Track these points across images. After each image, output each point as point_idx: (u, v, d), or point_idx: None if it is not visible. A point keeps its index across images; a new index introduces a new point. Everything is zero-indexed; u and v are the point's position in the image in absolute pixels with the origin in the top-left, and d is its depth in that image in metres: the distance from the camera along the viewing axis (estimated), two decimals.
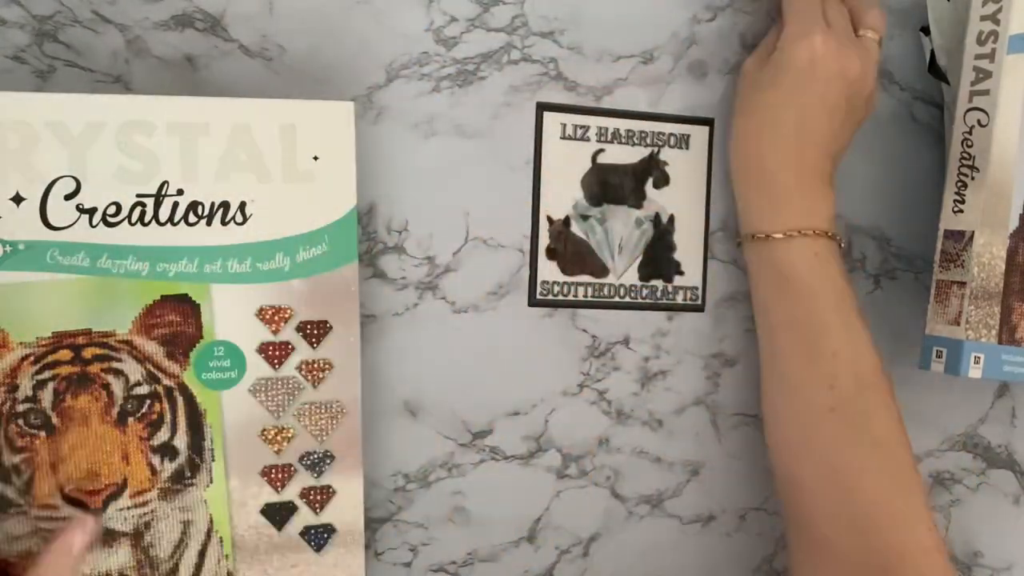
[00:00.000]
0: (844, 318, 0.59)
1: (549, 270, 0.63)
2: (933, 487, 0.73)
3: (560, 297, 0.63)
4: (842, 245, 0.61)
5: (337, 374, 0.54)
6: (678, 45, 0.64)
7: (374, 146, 0.58)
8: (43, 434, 0.49)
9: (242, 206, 0.51)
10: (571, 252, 0.63)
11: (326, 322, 0.53)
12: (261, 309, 0.52)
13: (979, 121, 0.61)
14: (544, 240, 0.62)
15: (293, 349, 0.53)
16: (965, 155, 0.62)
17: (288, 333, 0.53)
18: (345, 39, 0.57)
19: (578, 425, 0.64)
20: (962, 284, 0.62)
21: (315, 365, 0.53)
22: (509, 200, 0.61)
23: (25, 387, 0.49)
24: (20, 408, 0.49)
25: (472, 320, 0.61)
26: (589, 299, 0.63)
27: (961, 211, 0.62)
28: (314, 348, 0.53)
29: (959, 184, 0.62)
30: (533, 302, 0.62)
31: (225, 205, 0.51)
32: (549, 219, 0.62)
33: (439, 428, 0.61)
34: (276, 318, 0.52)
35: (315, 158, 0.52)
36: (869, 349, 0.59)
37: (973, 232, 0.61)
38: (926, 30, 0.67)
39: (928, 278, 0.70)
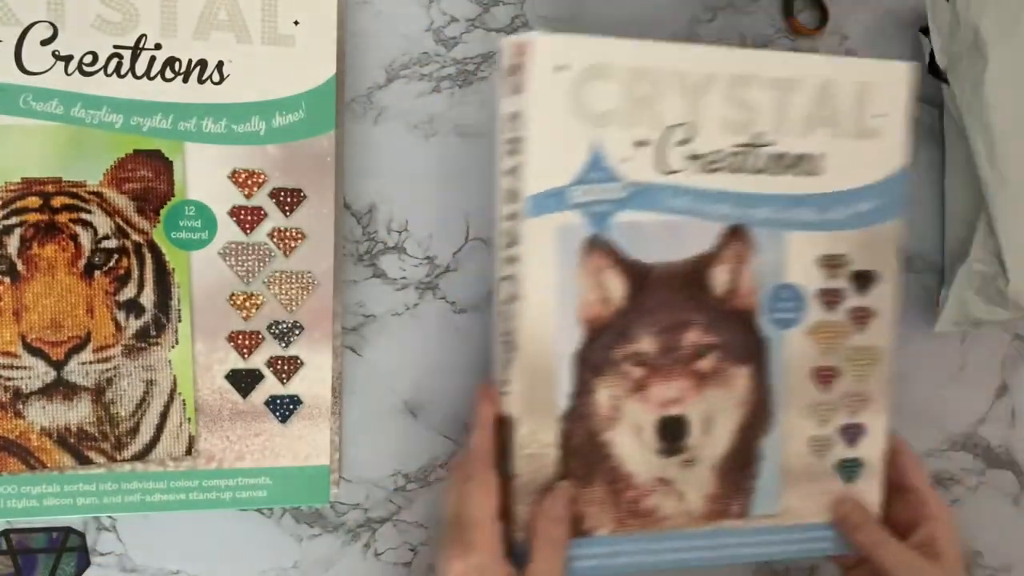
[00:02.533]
0: None
1: None
2: (933, 487, 0.72)
3: None
4: None
5: (310, 245, 0.53)
6: None
7: (374, 146, 0.58)
8: (7, 280, 0.48)
9: (219, 65, 0.51)
10: None
11: (300, 191, 0.53)
12: (235, 172, 0.52)
13: (512, 294, 0.51)
14: None
15: (265, 215, 0.52)
16: (504, 331, 0.52)
17: (261, 198, 0.52)
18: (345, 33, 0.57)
19: None
20: (512, 477, 0.52)
21: (287, 233, 0.53)
22: None
23: None
24: None
25: (472, 320, 0.60)
26: None
27: (507, 393, 0.52)
28: (287, 216, 0.53)
29: (504, 362, 0.52)
30: None
31: (202, 63, 0.51)
32: None
33: (439, 428, 0.60)
34: (249, 182, 0.52)
35: (296, 23, 0.52)
36: None
37: (515, 419, 0.51)
38: (926, 30, 0.67)
39: (928, 278, 0.70)
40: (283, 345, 0.53)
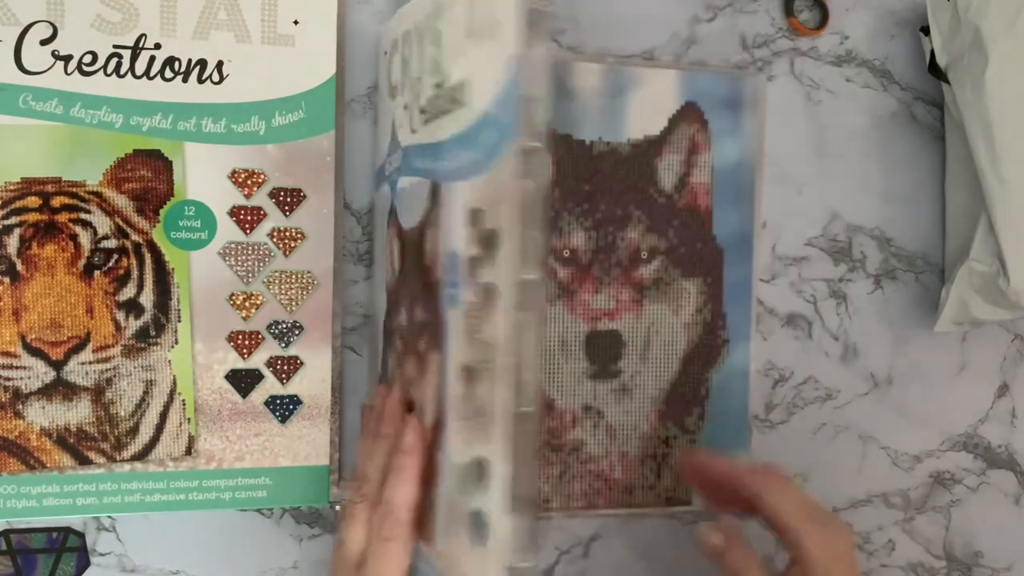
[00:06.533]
0: None
1: None
2: (933, 487, 0.72)
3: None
4: None
5: (310, 245, 0.53)
6: (678, 45, 0.64)
7: (374, 146, 0.58)
8: (7, 280, 0.48)
9: (219, 65, 0.51)
10: None
11: (300, 191, 0.53)
12: (234, 171, 0.52)
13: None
14: None
15: (265, 215, 0.52)
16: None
17: (260, 198, 0.52)
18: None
19: None
20: None
21: (287, 233, 0.53)
22: None
23: None
24: None
25: None
26: None
27: None
28: (287, 216, 0.53)
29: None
30: None
31: (202, 63, 0.51)
32: None
33: None
34: (249, 182, 0.52)
35: (296, 22, 0.52)
36: None
37: None
38: (926, 30, 0.67)
39: (928, 278, 0.70)
40: (283, 345, 0.53)
